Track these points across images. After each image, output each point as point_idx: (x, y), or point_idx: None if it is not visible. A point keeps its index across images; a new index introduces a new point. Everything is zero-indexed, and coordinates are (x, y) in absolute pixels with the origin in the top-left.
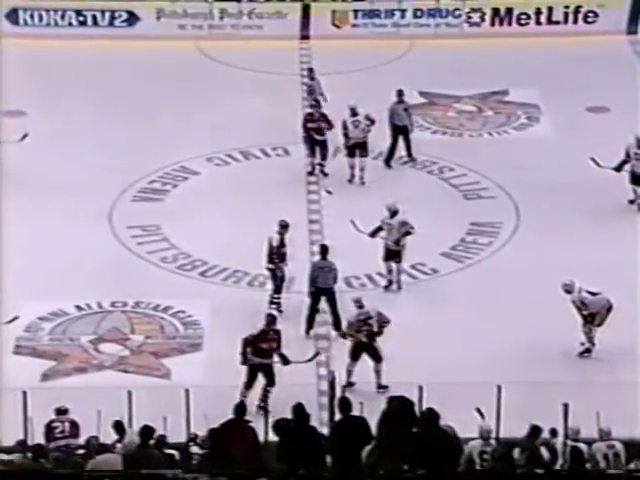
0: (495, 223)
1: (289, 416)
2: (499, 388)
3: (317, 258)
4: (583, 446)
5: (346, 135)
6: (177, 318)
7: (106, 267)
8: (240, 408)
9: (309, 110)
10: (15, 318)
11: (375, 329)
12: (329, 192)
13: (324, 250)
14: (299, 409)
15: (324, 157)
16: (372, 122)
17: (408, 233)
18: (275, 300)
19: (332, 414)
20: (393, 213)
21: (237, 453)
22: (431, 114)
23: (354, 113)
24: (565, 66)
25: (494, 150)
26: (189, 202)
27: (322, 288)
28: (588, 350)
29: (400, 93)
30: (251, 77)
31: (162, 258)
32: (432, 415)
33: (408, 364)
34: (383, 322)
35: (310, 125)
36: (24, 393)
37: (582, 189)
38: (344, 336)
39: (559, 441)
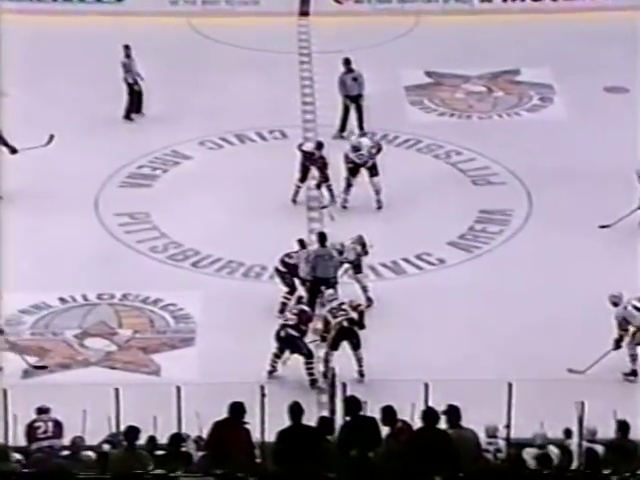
0: (506, 210)
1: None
2: (510, 385)
3: (315, 247)
4: (599, 448)
5: (350, 171)
6: (168, 311)
7: (92, 257)
8: (235, 407)
9: (310, 148)
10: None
11: (352, 314)
12: (332, 218)
13: (322, 238)
14: (295, 408)
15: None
16: (379, 149)
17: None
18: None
19: (332, 413)
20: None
21: (232, 454)
22: (438, 95)
23: (357, 149)
24: (581, 44)
25: (505, 133)
26: (180, 188)
27: (322, 278)
28: (634, 373)
29: (347, 62)
30: (247, 56)
31: (152, 247)
32: (432, 415)
33: (413, 360)
34: (357, 306)
35: (307, 164)
36: (4, 391)
37: (598, 175)
38: (324, 339)
39: (574, 442)
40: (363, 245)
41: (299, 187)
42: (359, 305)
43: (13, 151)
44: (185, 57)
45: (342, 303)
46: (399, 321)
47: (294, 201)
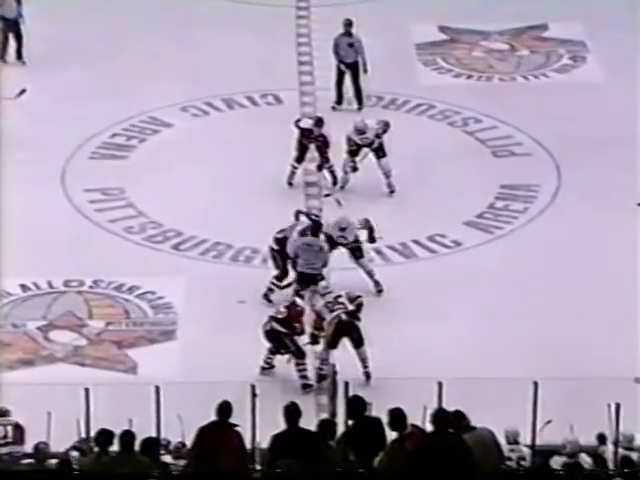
0: (531, 186)
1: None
2: (536, 384)
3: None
4: (637, 456)
5: (351, 152)
6: (145, 300)
7: (58, 238)
8: (224, 409)
9: (308, 124)
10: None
11: (351, 307)
12: (339, 203)
13: (316, 227)
14: (292, 410)
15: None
16: (385, 129)
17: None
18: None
19: (333, 415)
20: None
21: (221, 461)
22: (453, 54)
23: (361, 132)
24: None
25: (530, 97)
26: (160, 160)
27: (306, 273)
28: None
29: (348, 23)
30: (237, 9)
31: (127, 228)
32: (444, 418)
33: (425, 354)
34: (355, 298)
35: (305, 142)
36: None
37: (637, 145)
38: (314, 338)
39: (609, 449)
40: (370, 230)
41: (296, 168)
42: (358, 297)
43: None
44: (165, 9)
45: (339, 295)
46: (408, 311)
47: (290, 184)
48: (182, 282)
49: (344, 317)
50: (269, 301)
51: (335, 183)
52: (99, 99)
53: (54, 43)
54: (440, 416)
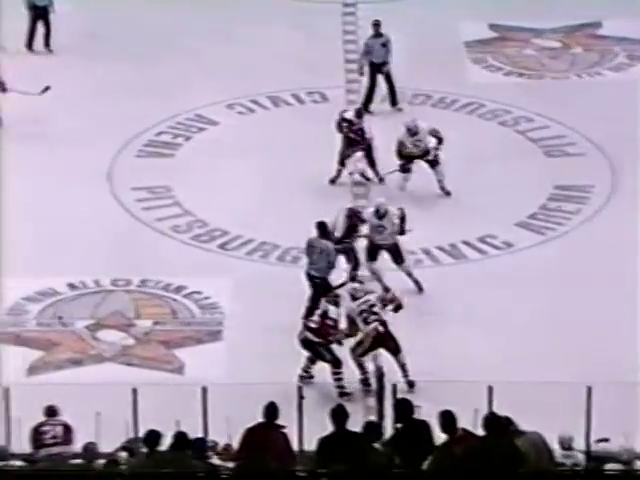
0: (585, 187)
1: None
2: (589, 390)
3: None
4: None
5: (401, 155)
6: (192, 300)
7: (105, 237)
8: (270, 410)
9: (349, 114)
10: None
11: (385, 316)
12: (402, 188)
13: (322, 227)
14: (339, 412)
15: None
16: (440, 141)
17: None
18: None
19: (381, 417)
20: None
21: (268, 462)
22: (504, 52)
23: (413, 133)
24: None
25: (584, 96)
26: (206, 158)
27: (310, 275)
28: None
29: (377, 24)
30: (283, 6)
31: (173, 227)
32: (495, 421)
33: (475, 358)
34: (390, 302)
35: (349, 134)
36: (6, 390)
37: None
38: (340, 341)
39: None
40: (402, 219)
41: (343, 166)
42: (394, 298)
43: (3, 89)
44: (211, 6)
45: (373, 305)
46: (457, 312)
47: (333, 181)
48: (228, 282)
49: (380, 329)
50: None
51: (376, 176)
52: (146, 97)
53: (101, 40)
54: (492, 420)
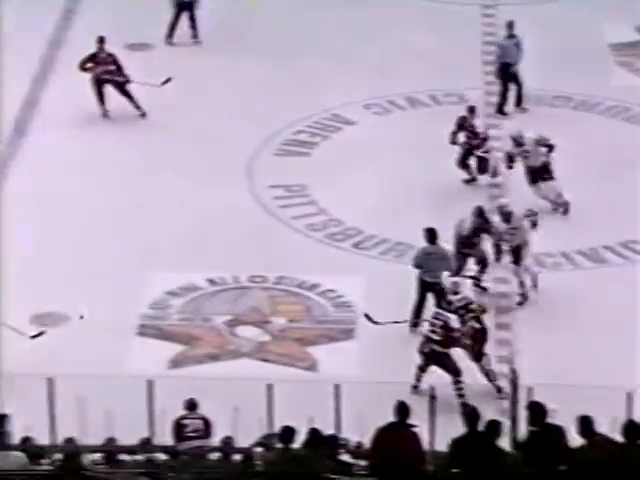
0: None
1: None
2: None
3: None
4: None
5: (511, 168)
6: (326, 298)
7: (244, 234)
8: (402, 409)
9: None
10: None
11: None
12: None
13: (431, 234)
14: (472, 414)
15: (483, 171)
16: (550, 148)
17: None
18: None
19: (514, 420)
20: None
21: (399, 461)
22: None
23: (519, 144)
24: None
25: None
26: (342, 157)
27: (427, 282)
28: None
29: (510, 25)
30: (422, 8)
31: (309, 225)
32: (635, 428)
33: (613, 363)
34: (482, 310)
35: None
36: (149, 383)
37: None
38: (466, 344)
39: None
40: (532, 220)
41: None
42: (483, 309)
43: (127, 81)
44: (348, 7)
45: (470, 302)
46: (596, 316)
47: (468, 181)
48: (362, 281)
49: (477, 326)
50: (483, 289)
51: (479, 172)
52: (284, 95)
53: (243, 38)
54: (632, 427)
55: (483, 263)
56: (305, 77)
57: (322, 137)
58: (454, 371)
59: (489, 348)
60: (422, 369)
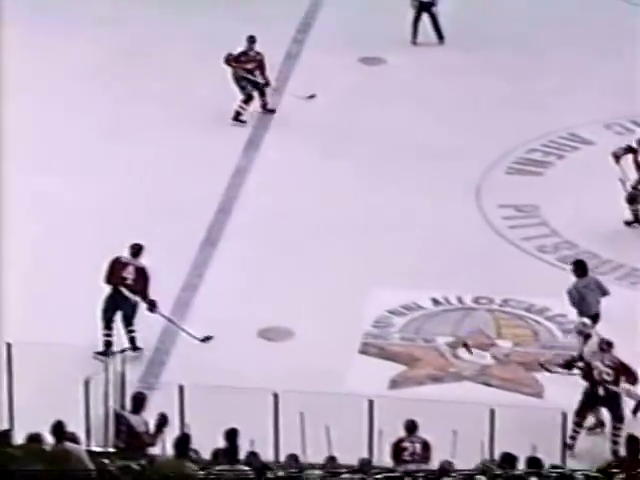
0: None
1: None
2: None
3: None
4: None
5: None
6: (555, 323)
7: (470, 253)
8: None
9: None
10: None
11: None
12: None
13: (581, 267)
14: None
15: None
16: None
17: None
18: None
19: None
20: None
21: None
22: None
23: None
24: None
25: None
26: (577, 178)
27: (588, 314)
28: None
29: None
30: None
31: (540, 247)
32: None
33: None
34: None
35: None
36: (370, 402)
37: None
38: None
39: None
40: None
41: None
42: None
43: (266, 84)
44: (591, 19)
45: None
46: None
47: None
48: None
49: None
50: None
51: None
52: (518, 112)
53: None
54: None
55: None
56: (541, 94)
57: (557, 156)
58: (621, 418)
59: None
60: (579, 424)
